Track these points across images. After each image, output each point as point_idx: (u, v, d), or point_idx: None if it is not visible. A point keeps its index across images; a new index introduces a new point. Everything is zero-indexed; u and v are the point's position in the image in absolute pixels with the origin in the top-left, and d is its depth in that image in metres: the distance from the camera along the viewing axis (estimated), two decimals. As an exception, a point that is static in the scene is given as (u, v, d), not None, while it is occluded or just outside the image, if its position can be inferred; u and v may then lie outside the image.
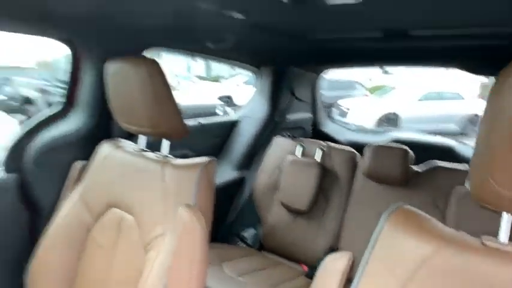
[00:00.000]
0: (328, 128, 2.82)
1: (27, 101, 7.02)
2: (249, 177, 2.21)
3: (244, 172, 2.22)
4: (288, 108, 2.39)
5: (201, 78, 14.06)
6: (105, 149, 1.21)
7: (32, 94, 7.09)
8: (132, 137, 1.28)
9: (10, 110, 5.64)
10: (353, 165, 1.92)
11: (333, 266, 0.72)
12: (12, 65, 8.30)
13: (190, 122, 2.01)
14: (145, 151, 1.16)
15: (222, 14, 1.11)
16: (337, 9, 1.03)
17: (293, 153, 2.02)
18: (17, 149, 1.28)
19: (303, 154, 2.01)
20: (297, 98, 2.46)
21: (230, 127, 2.27)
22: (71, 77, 1.34)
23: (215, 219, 1.90)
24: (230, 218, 2.16)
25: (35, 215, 1.28)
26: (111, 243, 1.09)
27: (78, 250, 1.14)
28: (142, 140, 1.20)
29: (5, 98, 7.18)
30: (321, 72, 2.58)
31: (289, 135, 2.13)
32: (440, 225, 0.67)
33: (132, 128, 1.13)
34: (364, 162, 1.83)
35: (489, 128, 0.54)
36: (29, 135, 1.30)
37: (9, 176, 1.27)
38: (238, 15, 1.13)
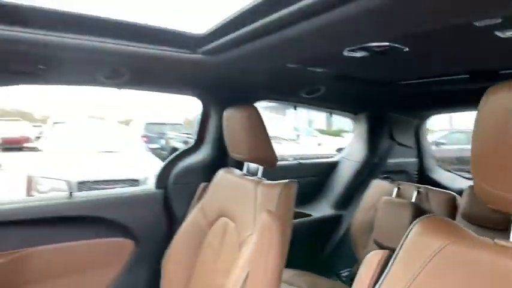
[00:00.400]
0: (438, 174, 2.74)
1: (174, 150, 8.56)
2: (346, 215, 2.35)
3: (342, 211, 2.37)
4: (388, 152, 2.49)
5: (321, 132, 14.49)
6: (222, 174, 1.61)
7: (178, 145, 8.63)
8: (240, 165, 1.67)
9: (161, 158, 6.96)
10: (452, 208, 1.89)
11: (371, 259, 0.88)
12: (167, 122, 10.29)
13: (291, 162, 2.34)
14: (246, 175, 1.51)
15: (306, 70, 1.44)
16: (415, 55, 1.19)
17: (390, 194, 2.10)
18: (164, 172, 1.81)
19: (398, 195, 2.07)
20: (399, 143, 2.54)
21: (329, 168, 2.49)
22: (200, 122, 1.85)
23: (312, 251, 2.12)
24: (326, 253, 2.31)
25: (171, 220, 1.74)
26: (218, 243, 1.44)
27: (197, 248, 1.51)
28: (245, 167, 1.56)
29: (159, 147, 8.93)
30: (425, 117, 2.62)
31: (385, 178, 2.23)
32: (462, 228, 0.77)
33: (237, 156, 1.51)
34: (462, 204, 1.80)
35: (479, 138, 0.65)
36: (172, 162, 1.83)
37: (157, 191, 1.79)
38: (320, 70, 1.44)
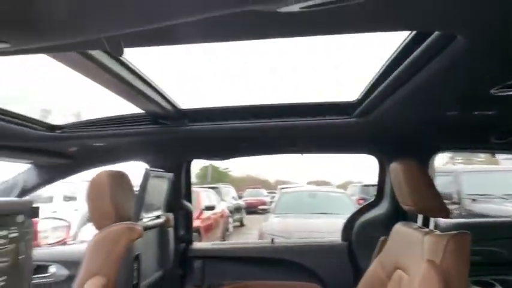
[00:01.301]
0: None
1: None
2: None
3: None
4: None
5: None
6: (398, 227, 1.65)
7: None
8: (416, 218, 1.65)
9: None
10: None
11: None
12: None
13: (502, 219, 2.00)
14: (420, 227, 1.50)
15: (474, 115, 1.38)
16: None
17: None
18: (348, 226, 1.99)
19: None
20: None
21: None
22: (378, 177, 1.96)
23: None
24: None
25: (356, 271, 1.86)
26: None
27: None
28: (419, 219, 1.55)
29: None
30: None
31: None
32: None
33: (407, 208, 1.53)
34: None
35: None
36: (355, 216, 1.99)
37: (343, 243, 1.98)
38: (491, 112, 1.34)
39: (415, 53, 0.93)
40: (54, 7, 0.42)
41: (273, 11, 0.46)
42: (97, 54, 0.87)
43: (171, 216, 1.71)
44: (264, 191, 17.87)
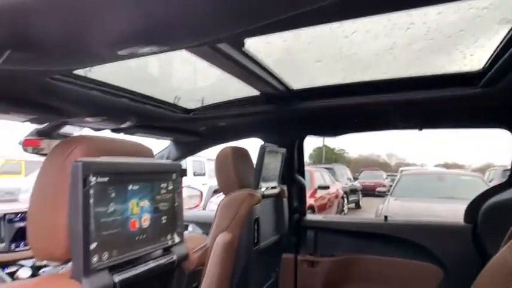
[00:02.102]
0: None
1: None
2: None
3: None
4: None
5: None
6: None
7: None
8: None
9: None
10: None
11: None
12: None
13: None
14: None
15: None
16: None
17: None
18: (473, 207, 1.82)
19: None
20: None
21: None
22: (513, 155, 1.73)
23: None
24: None
25: (481, 256, 1.71)
26: None
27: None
28: None
29: None
30: None
31: None
32: None
33: None
34: None
35: None
36: (483, 197, 1.81)
37: (466, 225, 1.83)
38: None
39: None
40: (194, 17, 0.56)
41: None
42: (221, 45, 1.04)
43: (285, 188, 1.86)
44: (383, 174, 17.00)
